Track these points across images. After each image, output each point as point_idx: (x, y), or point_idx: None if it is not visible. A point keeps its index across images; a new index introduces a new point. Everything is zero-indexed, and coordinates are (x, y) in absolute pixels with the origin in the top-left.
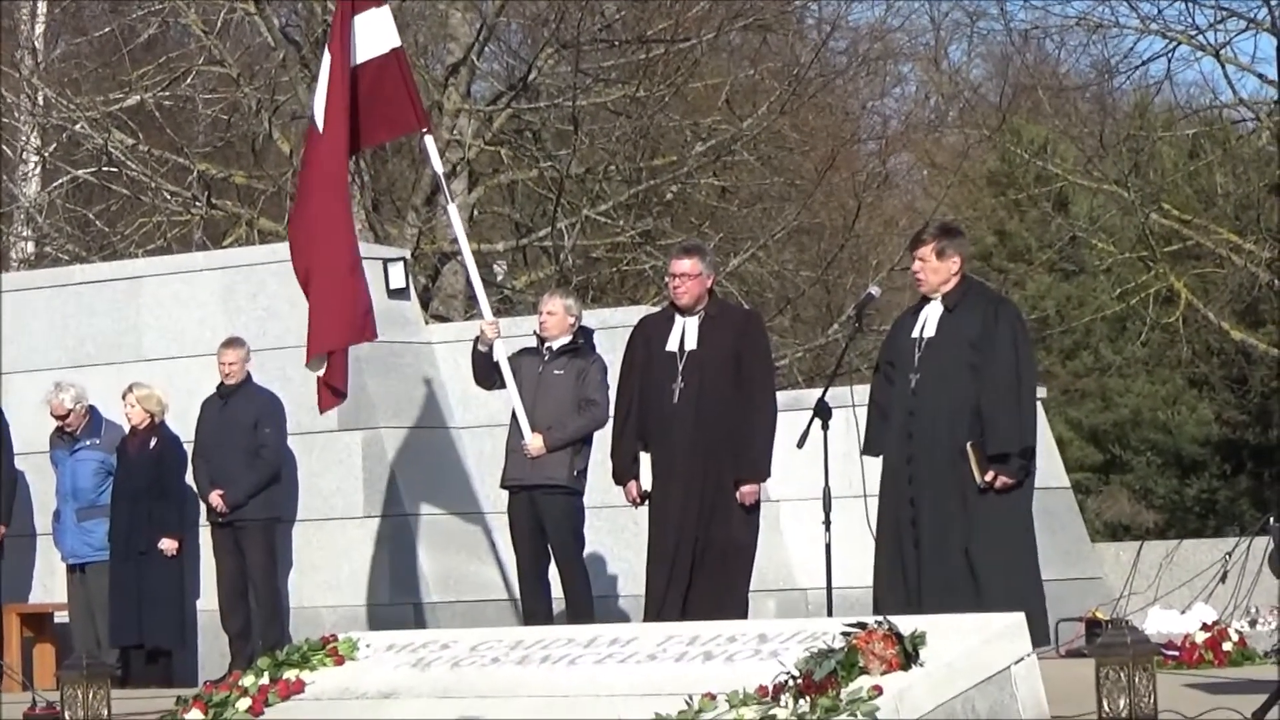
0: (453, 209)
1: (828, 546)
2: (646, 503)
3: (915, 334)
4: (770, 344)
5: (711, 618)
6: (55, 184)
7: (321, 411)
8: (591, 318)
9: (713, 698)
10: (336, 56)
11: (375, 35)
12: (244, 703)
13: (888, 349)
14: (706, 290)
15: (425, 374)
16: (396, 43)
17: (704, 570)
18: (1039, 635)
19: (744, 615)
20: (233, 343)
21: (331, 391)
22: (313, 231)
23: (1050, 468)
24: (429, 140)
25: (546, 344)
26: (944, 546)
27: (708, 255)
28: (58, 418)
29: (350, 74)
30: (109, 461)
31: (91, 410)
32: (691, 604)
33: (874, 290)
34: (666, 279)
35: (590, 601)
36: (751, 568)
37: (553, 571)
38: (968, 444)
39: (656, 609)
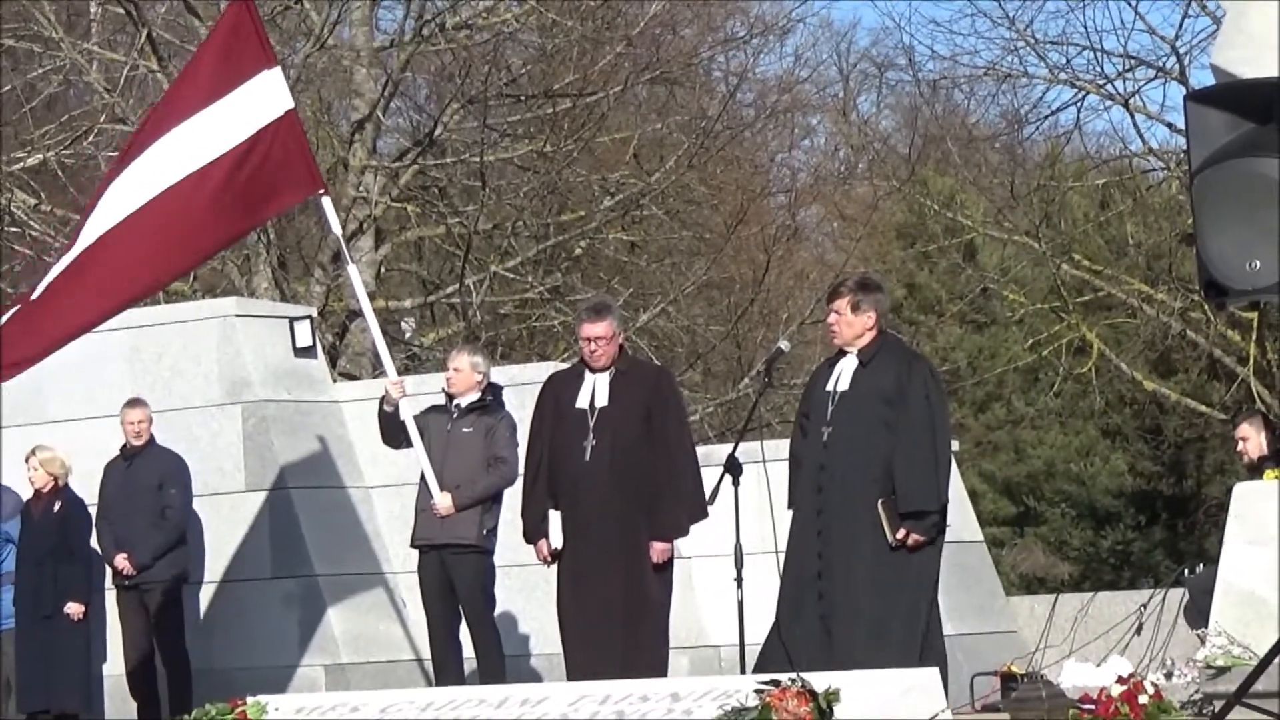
0: (352, 270)
1: (740, 603)
2: (557, 561)
3: (829, 387)
4: (683, 400)
5: (628, 676)
6: None
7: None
8: (500, 374)
9: None
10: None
11: (268, 99)
12: None
13: (804, 401)
14: (618, 347)
15: (333, 433)
16: (289, 104)
17: (619, 629)
18: None
19: (662, 673)
20: (137, 403)
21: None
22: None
23: (963, 521)
24: (326, 202)
25: (455, 401)
26: (849, 602)
27: (617, 313)
28: None
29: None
30: (4, 530)
31: None
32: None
33: (783, 345)
34: (580, 342)
35: (502, 661)
36: (667, 626)
37: (464, 631)
38: (879, 501)
39: (585, 670)
